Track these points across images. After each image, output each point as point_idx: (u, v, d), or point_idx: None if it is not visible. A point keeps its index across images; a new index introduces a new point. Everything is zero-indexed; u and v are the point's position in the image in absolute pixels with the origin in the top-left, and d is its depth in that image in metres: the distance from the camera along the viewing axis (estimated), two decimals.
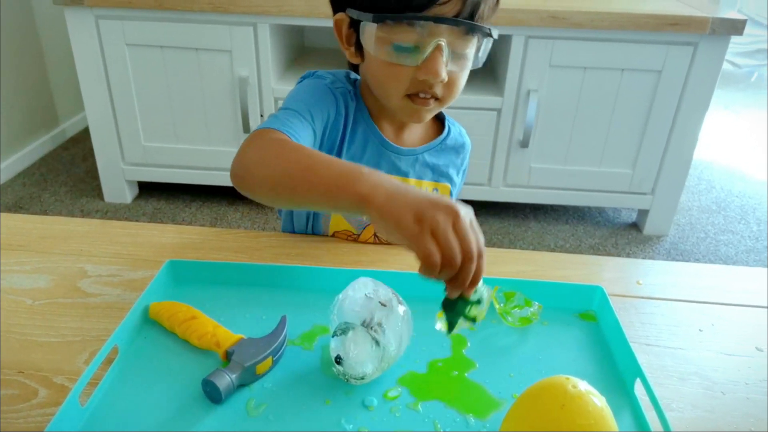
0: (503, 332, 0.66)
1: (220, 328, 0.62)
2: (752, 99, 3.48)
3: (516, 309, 0.67)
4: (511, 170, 1.86)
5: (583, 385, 0.47)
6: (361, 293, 0.59)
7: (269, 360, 0.59)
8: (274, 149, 0.61)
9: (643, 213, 1.94)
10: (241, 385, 0.57)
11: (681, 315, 0.70)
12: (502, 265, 0.78)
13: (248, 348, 0.59)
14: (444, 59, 0.66)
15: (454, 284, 0.50)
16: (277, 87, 1.79)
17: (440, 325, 0.57)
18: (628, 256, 1.81)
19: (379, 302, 0.59)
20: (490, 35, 0.68)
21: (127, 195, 2.01)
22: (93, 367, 0.55)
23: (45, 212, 1.93)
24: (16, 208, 1.95)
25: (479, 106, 1.74)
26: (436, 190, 0.85)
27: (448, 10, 0.65)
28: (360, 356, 0.56)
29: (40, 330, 0.64)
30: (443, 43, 0.65)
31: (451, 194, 0.86)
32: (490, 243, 1.82)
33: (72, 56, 1.78)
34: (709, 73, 1.67)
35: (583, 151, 1.82)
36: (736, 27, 1.59)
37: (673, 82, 1.70)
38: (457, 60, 0.69)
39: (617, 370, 0.61)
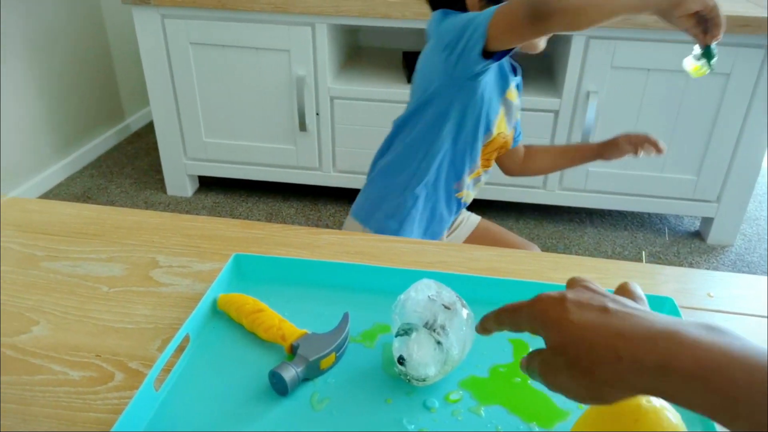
0: None
1: (286, 322, 0.64)
2: None
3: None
4: (567, 173, 1.82)
5: (658, 400, 0.46)
6: (424, 295, 0.59)
7: (333, 356, 0.60)
8: None
9: (707, 221, 1.86)
10: (305, 379, 0.58)
11: (754, 331, 0.67)
12: (562, 271, 0.77)
13: (313, 343, 0.60)
14: None
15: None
16: (333, 86, 1.82)
17: (689, 65, 0.90)
18: (690, 266, 1.75)
19: (443, 305, 0.59)
20: None
21: (188, 189, 2.08)
22: (167, 354, 0.57)
23: (112, 203, 2.02)
24: (85, 198, 2.05)
25: (535, 108, 1.72)
26: None
27: None
28: (423, 358, 0.56)
29: (116, 316, 0.67)
30: None
31: None
32: (544, 247, 1.80)
33: (138, 53, 1.86)
34: None
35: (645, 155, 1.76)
36: None
37: (743, 85, 1.62)
38: None
39: None
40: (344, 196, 2.06)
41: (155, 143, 1.98)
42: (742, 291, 0.74)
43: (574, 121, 1.75)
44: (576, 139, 1.76)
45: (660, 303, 0.67)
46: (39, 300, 0.70)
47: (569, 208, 2.00)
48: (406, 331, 0.58)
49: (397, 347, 0.58)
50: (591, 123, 1.71)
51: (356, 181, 1.96)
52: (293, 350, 0.60)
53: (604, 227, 1.94)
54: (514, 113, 1.02)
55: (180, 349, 0.61)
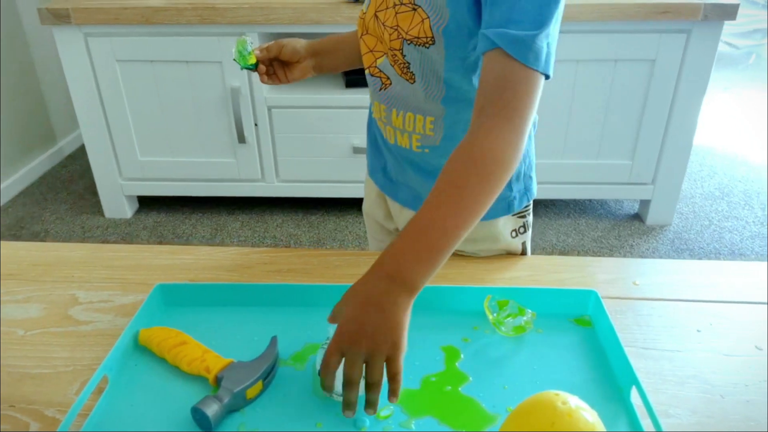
0: (497, 342, 0.65)
1: (210, 353, 0.62)
2: (751, 80, 3.44)
3: (509, 318, 0.66)
4: None
5: (574, 401, 0.46)
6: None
7: (259, 384, 0.58)
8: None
9: (645, 203, 1.92)
10: (232, 410, 0.57)
11: (678, 315, 0.69)
12: (495, 272, 0.78)
13: (238, 372, 0.59)
14: None
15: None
16: (270, 95, 1.79)
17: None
18: (631, 248, 1.79)
19: None
20: None
21: (127, 210, 2.01)
22: (82, 399, 0.55)
23: (46, 231, 1.94)
24: (17, 228, 1.96)
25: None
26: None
27: None
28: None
29: (32, 361, 0.64)
30: None
31: (431, 25, 0.64)
32: None
33: (65, 74, 1.79)
34: (704, 59, 1.66)
35: (580, 144, 1.81)
36: (728, 12, 1.57)
37: (668, 70, 1.68)
38: None
39: (613, 377, 0.60)
40: (290, 205, 2.03)
41: (90, 165, 1.91)
42: (669, 277, 0.76)
43: None
44: None
45: (585, 296, 0.68)
46: None
47: None
48: (326, 344, 0.58)
49: (318, 360, 0.57)
50: None
51: (301, 190, 1.94)
52: (218, 382, 0.58)
53: (548, 216, 1.97)
54: None
55: (99, 390, 0.58)
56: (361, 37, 0.73)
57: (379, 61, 0.71)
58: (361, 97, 1.75)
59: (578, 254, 1.77)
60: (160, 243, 1.84)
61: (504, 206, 0.77)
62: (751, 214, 1.97)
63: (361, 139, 1.79)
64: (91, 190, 2.09)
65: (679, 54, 1.65)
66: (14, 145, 2.19)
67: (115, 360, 0.61)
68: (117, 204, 1.99)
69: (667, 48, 1.65)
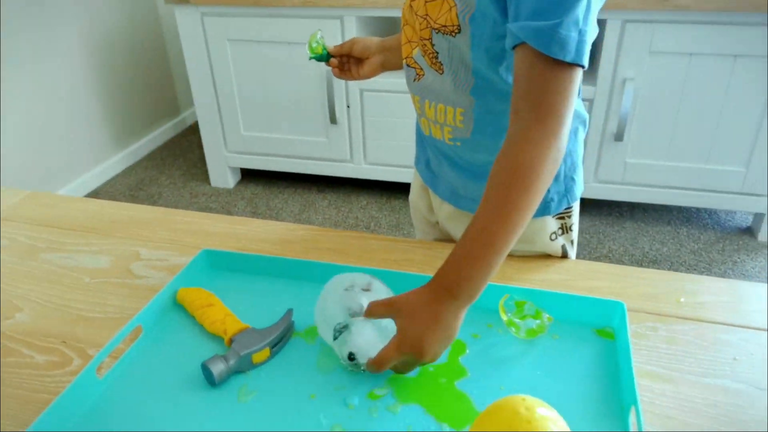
0: (507, 343, 0.64)
1: (231, 317, 0.67)
2: None
3: (524, 320, 0.64)
4: (603, 165, 1.74)
5: (542, 408, 0.45)
6: (338, 290, 0.61)
7: (266, 351, 0.62)
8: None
9: (758, 217, 1.72)
10: (238, 371, 0.61)
11: (717, 340, 0.63)
12: (527, 272, 0.75)
13: (250, 337, 0.63)
14: None
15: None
16: None
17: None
18: (734, 264, 1.62)
19: (361, 289, 0.60)
20: None
21: (230, 180, 2.17)
22: (113, 343, 0.62)
23: (160, 194, 2.15)
24: (137, 189, 2.19)
25: None
26: None
27: None
28: (368, 343, 0.58)
29: (90, 306, 0.73)
30: None
31: (458, 13, 0.62)
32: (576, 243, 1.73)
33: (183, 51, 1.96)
34: None
35: (688, 146, 1.66)
36: None
37: None
38: None
39: (618, 395, 0.56)
40: (375, 188, 2.08)
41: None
42: (719, 297, 0.69)
43: (609, 110, 1.66)
44: (612, 129, 1.68)
45: (611, 306, 0.64)
46: (28, 289, 0.77)
47: (608, 201, 1.91)
48: (340, 331, 0.60)
49: (340, 348, 0.60)
50: (627, 111, 1.62)
51: (386, 173, 1.97)
52: (231, 344, 0.63)
53: (645, 221, 1.84)
54: None
55: (133, 338, 0.65)
56: (402, 29, 0.74)
57: (414, 52, 0.71)
58: None
59: (671, 266, 1.64)
60: (254, 215, 1.97)
61: (540, 207, 0.74)
62: None
63: None
64: (203, 159, 2.28)
65: None
66: (144, 113, 2.44)
67: (150, 313, 0.67)
68: (221, 174, 2.15)
69: None
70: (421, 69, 0.72)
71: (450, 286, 0.55)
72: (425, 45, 0.69)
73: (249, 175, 2.22)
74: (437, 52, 0.68)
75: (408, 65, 0.74)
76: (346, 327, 0.60)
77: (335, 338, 0.60)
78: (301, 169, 2.04)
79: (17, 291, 0.76)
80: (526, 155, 0.54)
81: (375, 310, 0.58)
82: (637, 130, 1.67)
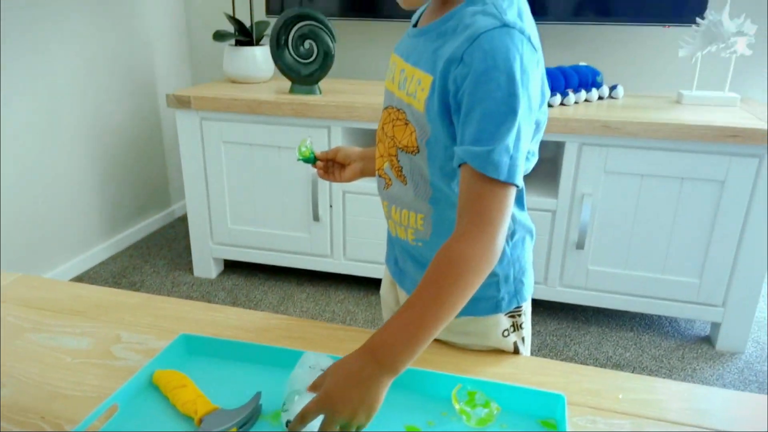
0: (460, 430, 0.69)
1: (202, 398, 0.72)
2: None
3: (475, 409, 0.70)
4: (567, 271, 1.84)
5: None
6: (305, 366, 0.68)
7: (233, 430, 0.67)
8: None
9: (716, 326, 1.81)
10: None
11: None
12: (480, 365, 0.82)
13: (218, 418, 0.68)
14: None
15: None
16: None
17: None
18: (693, 371, 1.69)
19: (321, 369, 0.67)
20: None
21: (213, 271, 2.23)
22: (89, 419, 0.66)
23: (142, 282, 2.19)
24: (120, 276, 2.24)
25: (534, 207, 1.78)
26: (417, 78, 0.73)
27: None
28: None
29: (69, 384, 0.77)
30: None
31: (432, 87, 0.70)
32: (544, 344, 1.80)
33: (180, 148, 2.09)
34: None
35: (644, 256, 1.77)
36: None
37: (739, 193, 1.64)
38: None
39: None
40: (353, 283, 2.15)
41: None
42: (657, 396, 0.76)
43: (571, 221, 1.79)
44: (573, 238, 1.80)
45: (553, 399, 0.70)
46: (11, 366, 0.81)
47: (574, 305, 1.99)
48: (285, 402, 0.66)
49: (284, 415, 0.65)
50: (586, 222, 1.75)
51: (364, 269, 2.05)
52: (201, 423, 0.68)
53: (609, 326, 1.91)
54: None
55: (108, 416, 0.70)
56: (377, 145, 0.86)
57: (384, 165, 0.82)
58: None
59: (633, 371, 1.69)
60: (233, 304, 2.02)
61: (492, 305, 0.83)
62: None
63: None
64: (188, 250, 2.35)
65: (750, 178, 1.61)
66: (135, 203, 2.54)
67: (126, 392, 0.72)
68: (205, 265, 2.22)
69: (737, 171, 1.62)
70: (390, 179, 0.82)
71: (376, 352, 0.62)
72: (392, 160, 0.80)
73: (231, 267, 2.29)
74: (402, 167, 0.79)
75: (379, 176, 0.85)
76: (290, 400, 0.66)
77: (283, 410, 0.66)
78: (282, 262, 2.12)
79: (7, 364, 0.81)
80: (461, 252, 0.64)
81: (315, 382, 0.65)
82: (596, 240, 1.80)
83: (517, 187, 0.66)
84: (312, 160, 0.98)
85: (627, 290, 1.82)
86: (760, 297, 1.72)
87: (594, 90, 1.94)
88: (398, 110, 0.78)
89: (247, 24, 2.24)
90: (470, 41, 0.66)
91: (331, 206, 2.00)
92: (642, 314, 1.97)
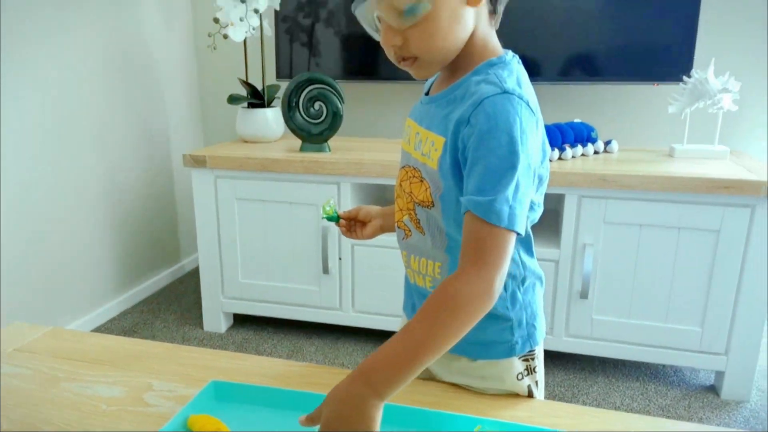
0: None
1: None
2: None
3: None
4: (572, 321, 1.88)
5: None
6: None
7: None
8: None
9: (720, 375, 1.84)
10: None
11: None
12: (497, 408, 0.86)
13: None
14: (380, 28, 0.77)
15: None
16: None
17: None
18: (700, 420, 1.70)
19: None
20: None
21: (222, 325, 2.27)
22: None
23: (153, 337, 2.22)
24: (131, 332, 2.27)
25: (537, 257, 1.83)
26: (431, 140, 0.82)
27: None
28: None
29: (106, 428, 0.82)
30: (374, 16, 0.78)
31: (444, 147, 0.78)
32: (552, 395, 1.82)
33: (194, 205, 2.17)
34: None
35: (647, 305, 1.82)
36: None
37: (734, 242, 1.70)
38: (399, 19, 0.74)
39: None
40: (361, 335, 2.18)
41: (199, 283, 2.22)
42: None
43: (574, 270, 1.85)
44: (577, 287, 1.85)
45: None
46: (50, 414, 0.85)
47: (580, 356, 2.02)
48: None
49: None
50: (589, 272, 1.81)
51: (373, 321, 2.09)
52: None
53: (615, 377, 1.94)
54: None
55: None
56: (396, 200, 0.93)
57: (404, 218, 0.89)
58: None
59: None
60: None
61: (506, 349, 0.88)
62: None
63: None
64: (197, 305, 2.39)
65: (744, 227, 1.69)
66: (146, 259, 2.60)
67: None
68: (215, 319, 2.26)
69: (731, 221, 1.69)
70: (409, 231, 0.89)
71: (369, 374, 0.67)
72: (411, 213, 0.87)
73: (241, 321, 2.32)
74: (419, 219, 0.86)
75: (399, 227, 0.92)
76: None
77: None
78: (292, 315, 2.16)
79: (41, 415, 0.85)
80: (458, 289, 0.70)
81: (311, 415, 0.70)
82: (600, 290, 1.85)
83: (518, 234, 0.73)
84: (336, 218, 1.05)
85: (631, 339, 1.85)
86: (761, 345, 1.75)
87: (590, 145, 2.04)
88: (414, 169, 0.85)
89: (259, 87, 2.36)
90: (475, 105, 0.75)
91: (340, 259, 2.06)
92: (647, 363, 1.99)
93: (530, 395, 0.91)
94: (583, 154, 2.02)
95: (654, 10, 2.06)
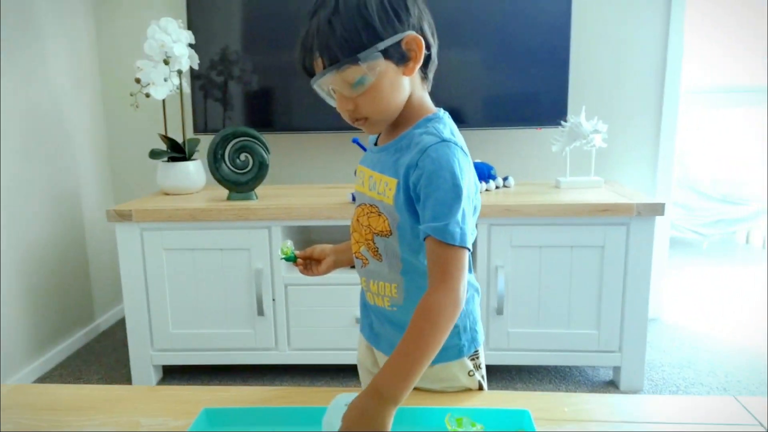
0: None
1: None
2: (708, 262, 3.87)
3: (463, 428, 0.90)
4: (492, 335, 2.11)
5: None
6: (340, 404, 0.85)
7: None
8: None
9: (616, 370, 2.14)
10: None
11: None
12: (457, 401, 1.02)
13: None
14: (335, 97, 0.94)
15: None
16: (287, 275, 2.14)
17: None
18: None
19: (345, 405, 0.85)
20: (353, 62, 0.88)
21: (153, 379, 2.24)
22: None
23: None
24: None
25: None
26: (384, 182, 0.98)
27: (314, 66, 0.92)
28: None
29: None
30: (330, 88, 0.93)
31: (398, 187, 0.94)
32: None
33: (111, 260, 2.16)
34: (643, 246, 2.02)
35: (552, 315, 2.09)
36: (656, 209, 1.97)
37: (616, 255, 2.03)
38: (351, 89, 0.91)
39: None
40: (299, 372, 2.26)
41: (122, 340, 2.19)
42: (592, 406, 1.00)
43: (490, 290, 2.09)
44: (494, 305, 2.09)
45: (521, 415, 0.92)
46: None
47: (500, 366, 2.24)
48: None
49: None
50: (502, 290, 2.05)
51: (308, 357, 2.18)
52: None
53: (531, 383, 2.17)
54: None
55: None
56: (351, 235, 1.08)
57: (361, 248, 1.05)
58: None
59: None
60: None
61: (456, 351, 1.05)
62: (715, 380, 2.17)
63: None
64: (122, 362, 2.34)
65: (623, 242, 2.02)
66: (57, 320, 2.50)
67: None
68: (145, 373, 2.22)
69: (612, 237, 2.02)
70: (366, 259, 1.05)
71: (379, 389, 0.83)
72: (369, 243, 1.02)
73: (170, 371, 2.30)
74: (377, 248, 1.02)
75: (357, 257, 1.07)
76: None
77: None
78: (227, 360, 2.19)
79: None
80: (434, 302, 0.87)
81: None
82: (512, 305, 2.10)
83: (469, 250, 0.91)
84: (293, 258, 1.18)
85: (541, 347, 2.11)
86: (646, 341, 2.08)
87: (491, 181, 2.33)
88: (371, 206, 1.02)
89: (179, 141, 2.42)
90: (421, 153, 0.94)
91: (274, 300, 2.15)
92: (556, 367, 2.26)
93: (481, 388, 1.08)
94: (486, 189, 2.30)
95: (533, 68, 2.43)
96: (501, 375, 2.23)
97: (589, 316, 2.09)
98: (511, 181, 2.41)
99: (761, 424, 0.94)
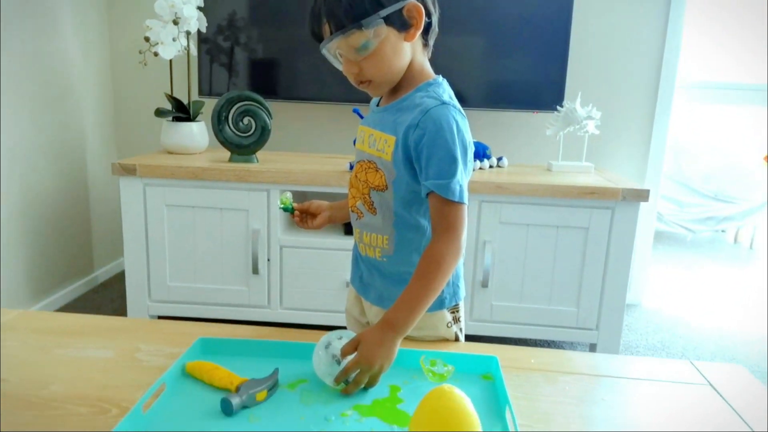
0: (425, 385, 0.95)
1: (233, 375, 0.93)
2: (694, 255, 3.98)
3: (436, 367, 0.98)
4: (475, 306, 2.19)
5: (457, 390, 0.78)
6: (333, 338, 0.94)
7: (264, 392, 0.89)
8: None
9: (593, 347, 2.23)
10: (245, 407, 0.87)
11: (555, 379, 1.01)
12: (435, 348, 1.10)
13: (251, 384, 0.90)
14: (341, 61, 1.01)
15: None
16: (283, 237, 2.21)
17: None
18: None
19: (337, 339, 0.95)
20: (357, 27, 0.95)
21: None
22: (152, 389, 0.86)
23: None
24: None
25: None
26: (384, 139, 1.05)
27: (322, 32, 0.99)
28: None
29: (112, 378, 0.94)
30: (337, 52, 1.00)
31: (396, 144, 1.01)
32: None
33: (113, 213, 2.23)
34: (627, 230, 2.10)
35: (535, 291, 2.18)
36: (641, 195, 2.05)
37: (599, 237, 2.11)
38: (356, 54, 0.98)
39: (497, 404, 0.91)
40: (288, 332, 2.34)
41: (119, 292, 2.26)
42: (555, 359, 1.08)
43: (476, 264, 2.17)
44: (479, 278, 2.17)
45: (490, 360, 1.00)
46: (51, 371, 0.96)
47: (482, 337, 2.33)
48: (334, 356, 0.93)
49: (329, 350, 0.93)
50: (488, 264, 2.14)
51: (299, 317, 2.27)
52: (237, 390, 0.89)
53: None
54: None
55: (157, 394, 0.89)
56: (349, 190, 1.16)
57: (357, 203, 1.13)
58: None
59: None
60: None
61: (438, 302, 1.13)
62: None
63: None
64: (119, 313, 2.42)
65: (607, 225, 2.10)
66: (57, 269, 2.58)
67: (170, 375, 0.92)
68: None
69: (596, 220, 2.10)
70: (361, 213, 1.12)
71: (392, 323, 0.93)
72: (365, 197, 1.10)
73: None
74: (373, 202, 1.09)
75: (352, 211, 1.15)
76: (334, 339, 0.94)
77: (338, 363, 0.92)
78: (220, 315, 2.28)
79: (42, 373, 0.96)
80: (439, 250, 0.97)
81: (346, 350, 0.91)
82: (498, 279, 2.18)
83: (466, 205, 1.00)
84: (291, 209, 1.25)
85: (523, 320, 2.20)
86: (623, 321, 2.16)
87: (486, 160, 2.39)
88: (369, 162, 1.09)
89: (184, 102, 2.48)
90: (422, 114, 1.01)
91: (269, 260, 2.23)
92: (536, 340, 2.35)
93: (457, 340, 1.16)
94: (480, 168, 2.37)
95: (533, 54, 2.48)
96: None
97: (570, 294, 2.17)
98: (505, 161, 2.48)
99: (708, 383, 1.03)
